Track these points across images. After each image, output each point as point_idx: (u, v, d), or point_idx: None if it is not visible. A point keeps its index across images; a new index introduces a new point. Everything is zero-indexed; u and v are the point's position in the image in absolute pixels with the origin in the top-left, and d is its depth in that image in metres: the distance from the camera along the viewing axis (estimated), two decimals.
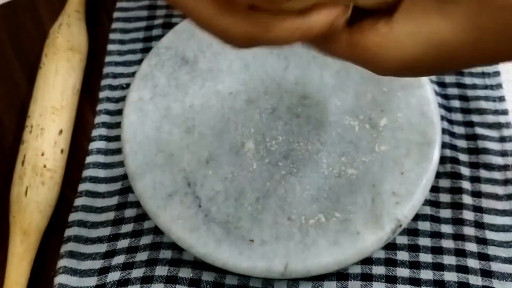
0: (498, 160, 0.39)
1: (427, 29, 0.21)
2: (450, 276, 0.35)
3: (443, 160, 0.39)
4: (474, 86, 0.42)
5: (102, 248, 0.37)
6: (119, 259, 0.36)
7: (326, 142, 0.38)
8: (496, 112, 0.40)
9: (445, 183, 0.38)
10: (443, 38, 0.21)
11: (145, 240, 0.37)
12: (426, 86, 0.39)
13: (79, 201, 0.39)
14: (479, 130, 0.40)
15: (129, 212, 0.38)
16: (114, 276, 0.36)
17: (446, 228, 0.36)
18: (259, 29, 0.20)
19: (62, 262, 0.36)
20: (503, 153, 0.39)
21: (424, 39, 0.21)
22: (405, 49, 0.22)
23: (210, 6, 0.20)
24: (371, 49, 0.22)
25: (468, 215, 0.37)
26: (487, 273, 0.35)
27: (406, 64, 0.22)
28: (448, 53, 0.21)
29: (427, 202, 0.37)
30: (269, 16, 0.20)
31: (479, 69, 0.43)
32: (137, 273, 0.36)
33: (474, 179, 0.38)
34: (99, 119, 0.43)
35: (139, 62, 0.45)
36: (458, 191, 0.38)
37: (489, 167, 0.38)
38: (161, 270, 0.36)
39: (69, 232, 0.38)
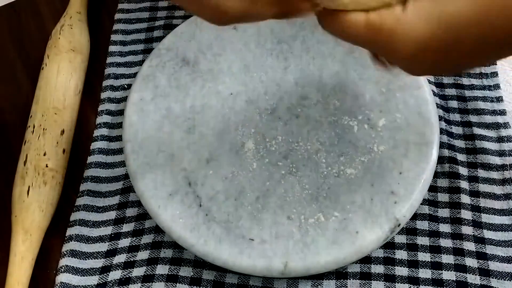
0: (496, 160, 0.39)
1: (437, 10, 0.22)
2: (448, 275, 0.35)
3: (441, 160, 0.39)
4: (472, 87, 0.42)
5: (103, 247, 0.37)
6: (120, 258, 0.37)
7: (325, 142, 0.38)
8: (494, 112, 0.41)
9: (443, 182, 0.38)
10: (452, 17, 0.22)
11: (146, 239, 0.37)
12: (424, 87, 0.40)
13: (80, 201, 0.39)
14: (477, 130, 0.40)
15: (130, 212, 0.39)
16: (115, 275, 0.36)
17: (445, 228, 0.37)
18: (248, 4, 0.23)
19: (64, 261, 0.37)
20: (501, 153, 0.39)
21: (435, 20, 0.23)
22: (417, 31, 0.23)
23: None
24: (386, 30, 0.23)
25: (466, 214, 0.37)
26: (485, 272, 0.35)
27: (418, 46, 0.23)
28: (456, 33, 0.23)
29: (426, 202, 0.38)
30: None
31: (476, 70, 0.43)
32: (138, 272, 0.36)
33: (472, 179, 0.38)
34: (101, 119, 0.43)
35: (140, 63, 0.46)
36: (456, 191, 0.38)
37: (487, 167, 0.39)
38: (162, 269, 0.36)
39: (71, 231, 0.38)
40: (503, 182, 0.38)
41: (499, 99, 0.41)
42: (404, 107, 0.39)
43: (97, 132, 0.42)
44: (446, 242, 0.36)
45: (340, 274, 0.35)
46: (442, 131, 0.40)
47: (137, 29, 0.48)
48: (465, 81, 0.43)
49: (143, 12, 0.49)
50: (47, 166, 0.38)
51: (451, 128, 0.41)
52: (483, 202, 0.37)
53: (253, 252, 0.34)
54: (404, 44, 0.23)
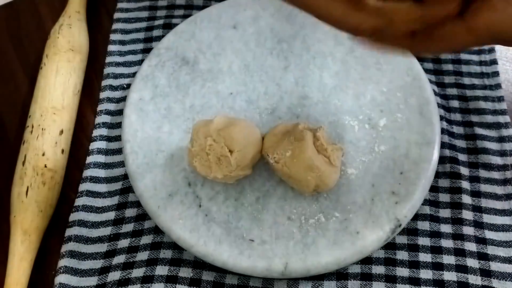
0: (497, 160, 0.39)
1: None
2: (449, 276, 0.35)
3: (442, 160, 0.39)
4: (473, 87, 0.42)
5: (102, 247, 0.37)
6: (120, 259, 0.37)
7: None
8: (495, 112, 0.41)
9: (444, 183, 0.38)
10: None
11: (146, 240, 0.37)
12: (425, 87, 0.40)
13: (79, 201, 0.39)
14: (478, 130, 0.40)
15: (130, 212, 0.39)
16: (114, 275, 0.36)
17: (446, 228, 0.37)
18: (384, 22, 0.24)
19: (63, 262, 0.36)
20: (502, 153, 0.39)
21: None
22: None
23: (341, 7, 0.24)
24: (494, 25, 0.23)
25: (467, 214, 0.37)
26: (486, 273, 0.35)
27: None
28: None
29: (427, 202, 0.37)
30: (392, 10, 0.24)
31: (478, 70, 0.43)
32: (137, 272, 0.36)
33: (474, 179, 0.38)
34: (100, 119, 0.43)
35: (139, 62, 0.45)
36: (458, 191, 0.38)
37: (488, 167, 0.39)
38: (161, 270, 0.36)
39: (70, 232, 0.38)
40: (505, 182, 0.38)
41: (500, 99, 0.41)
42: (405, 107, 0.39)
43: (96, 132, 0.42)
44: (447, 243, 0.36)
45: (340, 274, 0.35)
46: (443, 131, 0.39)
47: (136, 29, 0.47)
48: (466, 80, 0.42)
49: (142, 12, 0.48)
50: (45, 166, 0.38)
51: (452, 128, 0.41)
52: (485, 203, 0.37)
53: (253, 253, 0.34)
54: None
